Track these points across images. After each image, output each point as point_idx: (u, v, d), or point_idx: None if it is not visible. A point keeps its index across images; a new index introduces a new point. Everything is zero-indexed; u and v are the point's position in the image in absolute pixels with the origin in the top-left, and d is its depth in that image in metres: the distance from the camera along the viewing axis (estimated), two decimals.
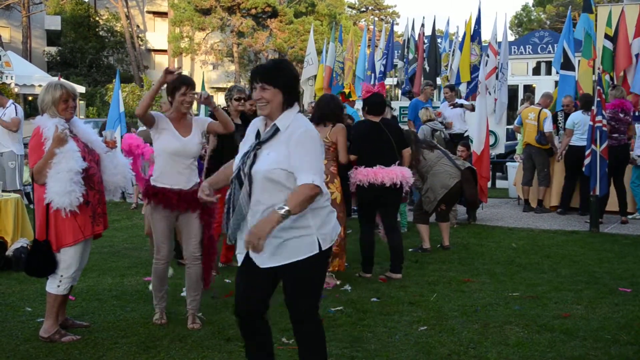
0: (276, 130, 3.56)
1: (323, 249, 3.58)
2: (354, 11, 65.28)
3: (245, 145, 3.72)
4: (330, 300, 6.12)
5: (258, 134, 3.68)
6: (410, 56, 18.04)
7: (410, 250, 8.33)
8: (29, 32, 44.62)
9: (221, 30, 45.12)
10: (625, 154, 10.38)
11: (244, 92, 7.25)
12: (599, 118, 9.57)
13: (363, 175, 6.78)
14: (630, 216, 10.52)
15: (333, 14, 50.38)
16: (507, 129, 16.79)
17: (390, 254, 7.12)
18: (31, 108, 31.00)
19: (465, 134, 12.25)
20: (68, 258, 4.98)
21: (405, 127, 10.09)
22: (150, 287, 5.75)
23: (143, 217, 11.23)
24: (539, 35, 31.02)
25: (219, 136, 6.71)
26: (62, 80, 5.40)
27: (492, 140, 12.60)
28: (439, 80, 17.98)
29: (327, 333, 5.14)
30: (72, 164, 4.86)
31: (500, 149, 14.75)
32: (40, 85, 31.09)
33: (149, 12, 52.42)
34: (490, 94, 13.65)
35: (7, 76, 29.38)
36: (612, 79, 12.27)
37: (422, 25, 18.40)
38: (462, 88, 15.53)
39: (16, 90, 29.46)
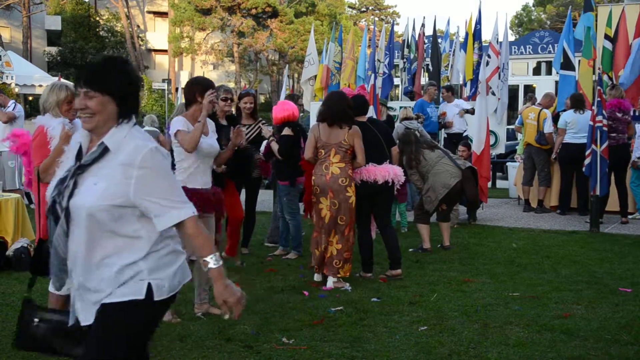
0: (104, 150, 2.72)
1: (155, 298, 2.73)
2: (354, 11, 65.29)
3: (63, 168, 2.94)
4: (330, 300, 6.13)
5: (80, 154, 2.84)
6: (411, 56, 18.05)
7: (410, 250, 8.33)
8: (29, 32, 44.62)
9: (221, 30, 45.11)
10: (625, 153, 10.38)
11: (230, 92, 7.10)
12: (599, 118, 9.57)
13: (356, 174, 6.77)
14: (630, 216, 10.52)
15: (333, 14, 50.36)
16: (508, 129, 16.80)
17: (387, 251, 7.14)
18: (32, 108, 31.01)
19: (465, 134, 12.26)
20: None
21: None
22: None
23: None
24: (539, 35, 31.03)
25: None
26: (65, 81, 5.40)
27: (492, 140, 12.59)
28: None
29: (327, 333, 5.17)
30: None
31: (500, 149, 14.75)
32: (40, 86, 31.12)
33: (149, 12, 52.42)
34: (494, 94, 13.65)
35: (7, 76, 29.38)
36: (610, 79, 12.26)
37: (423, 25, 18.42)
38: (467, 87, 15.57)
39: (16, 90, 29.46)
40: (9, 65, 30.12)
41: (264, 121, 8.57)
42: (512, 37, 43.28)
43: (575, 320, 5.48)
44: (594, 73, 12.71)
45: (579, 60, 12.86)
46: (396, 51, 19.09)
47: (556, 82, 16.95)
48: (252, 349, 4.82)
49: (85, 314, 2.78)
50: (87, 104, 2.72)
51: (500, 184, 15.80)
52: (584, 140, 10.35)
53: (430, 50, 18.28)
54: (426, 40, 18.91)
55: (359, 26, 53.02)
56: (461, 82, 16.93)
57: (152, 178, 2.67)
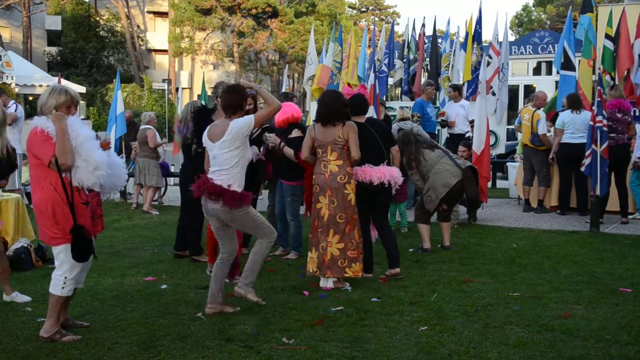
0: None
1: None
2: (355, 11, 65.36)
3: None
4: (330, 300, 6.13)
5: None
6: (412, 56, 18.04)
7: (410, 250, 8.34)
8: (30, 32, 44.63)
9: (221, 30, 45.16)
10: (624, 153, 10.38)
11: None
12: (599, 118, 9.57)
13: (352, 174, 6.75)
14: (630, 216, 10.52)
15: (333, 14, 50.39)
16: (508, 129, 16.79)
17: (385, 251, 7.15)
18: (32, 108, 30.98)
19: (467, 135, 12.25)
20: (70, 259, 4.97)
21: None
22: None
23: (143, 217, 11.27)
24: (539, 36, 31.04)
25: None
26: (66, 83, 5.40)
27: (492, 140, 12.59)
28: (438, 81, 17.98)
29: (328, 333, 5.17)
30: (84, 134, 4.95)
31: (500, 149, 14.74)
32: (40, 86, 31.13)
33: (149, 12, 52.47)
34: (494, 94, 13.65)
35: (7, 76, 29.40)
36: (613, 79, 12.26)
37: (423, 25, 18.42)
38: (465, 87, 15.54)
39: (17, 90, 29.46)
40: (9, 66, 30.12)
41: (266, 123, 8.56)
42: (512, 37, 43.32)
43: (576, 320, 5.48)
44: (593, 73, 12.71)
45: (579, 60, 12.86)
46: (396, 51, 19.07)
47: (556, 82, 16.92)
48: (252, 349, 4.82)
49: None
50: None
51: (500, 184, 15.80)
52: (582, 140, 10.36)
53: (430, 51, 18.28)
54: (426, 41, 18.90)
55: (359, 26, 53.04)
56: (461, 83, 16.94)
57: None
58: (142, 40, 49.35)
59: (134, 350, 4.82)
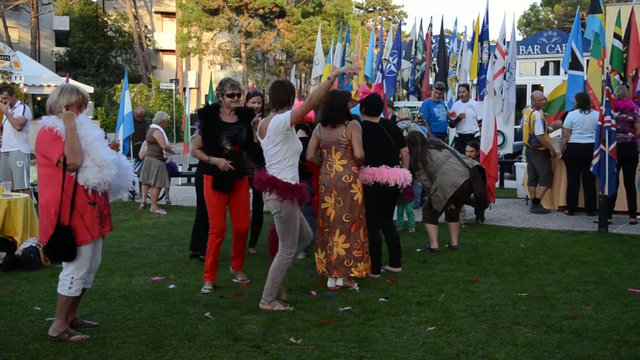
0: None
1: None
2: (362, 11, 65.32)
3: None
4: (338, 300, 6.13)
5: None
6: (419, 56, 18.02)
7: (418, 250, 8.33)
8: (38, 33, 44.80)
9: (229, 30, 45.21)
10: (629, 152, 10.34)
11: (237, 87, 6.69)
12: (607, 118, 9.54)
13: (369, 174, 6.75)
14: (639, 216, 10.47)
15: (340, 14, 50.40)
16: (515, 129, 16.75)
17: (388, 248, 7.17)
18: (40, 108, 31.09)
19: (476, 134, 12.23)
20: (78, 259, 4.98)
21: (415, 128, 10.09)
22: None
23: (151, 217, 11.29)
24: (547, 35, 30.98)
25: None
26: (74, 83, 5.41)
27: (500, 140, 12.55)
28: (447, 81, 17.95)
29: (335, 333, 5.17)
30: (93, 134, 4.95)
31: (508, 149, 14.68)
32: (49, 86, 31.27)
33: (156, 12, 52.58)
34: (499, 93, 13.60)
35: (16, 76, 29.53)
36: (622, 78, 12.21)
37: (430, 25, 18.42)
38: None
39: (25, 90, 29.57)
40: (18, 66, 30.26)
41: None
42: (519, 37, 43.20)
43: (584, 321, 5.46)
44: (603, 73, 12.66)
45: (588, 60, 12.81)
46: (403, 51, 19.06)
47: (564, 82, 16.87)
48: (260, 349, 4.83)
49: None
50: None
51: (508, 184, 15.76)
52: (590, 140, 10.34)
53: (437, 50, 18.26)
54: (434, 40, 18.88)
55: (366, 26, 52.96)
56: (471, 82, 16.90)
57: None
58: (149, 40, 49.47)
59: (142, 350, 4.83)
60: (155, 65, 50.08)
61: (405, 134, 8.66)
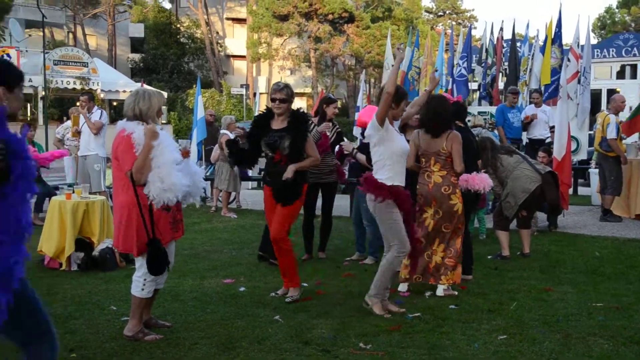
0: None
1: None
2: (431, 15, 64.82)
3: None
4: (408, 307, 6.09)
5: None
6: (490, 61, 17.79)
7: (489, 257, 8.21)
8: (114, 40, 46.19)
9: (298, 36, 45.55)
10: None
11: (280, 91, 6.31)
12: None
13: (463, 181, 6.62)
14: None
15: (410, 18, 50.16)
16: (590, 135, 16.35)
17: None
18: (116, 113, 31.95)
19: (547, 140, 12.00)
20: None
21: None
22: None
23: (222, 220, 11.47)
24: (623, 38, 30.15)
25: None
26: (149, 88, 5.52)
27: (573, 146, 12.29)
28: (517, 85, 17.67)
29: (405, 339, 5.14)
30: (170, 156, 4.96)
31: (582, 155, 14.37)
32: (124, 91, 32.17)
33: (228, 18, 53.41)
34: (572, 99, 13.33)
35: (93, 82, 30.47)
36: None
37: (501, 29, 18.16)
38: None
39: (102, 96, 30.48)
40: (95, 72, 31.24)
41: (339, 128, 8.62)
42: (594, 40, 42.13)
43: None
44: None
45: None
46: (474, 56, 18.86)
47: None
48: (329, 353, 4.84)
49: None
50: None
51: (582, 191, 15.35)
52: None
53: (508, 54, 17.99)
54: (504, 44, 18.60)
55: (435, 30, 52.57)
56: (541, 87, 16.60)
57: None
58: (221, 46, 50.28)
59: (213, 352, 4.91)
60: (226, 70, 50.85)
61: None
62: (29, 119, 29.04)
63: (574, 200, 13.06)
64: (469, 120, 11.36)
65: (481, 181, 6.76)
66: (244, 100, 39.33)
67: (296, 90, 6.85)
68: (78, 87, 30.21)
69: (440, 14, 65.09)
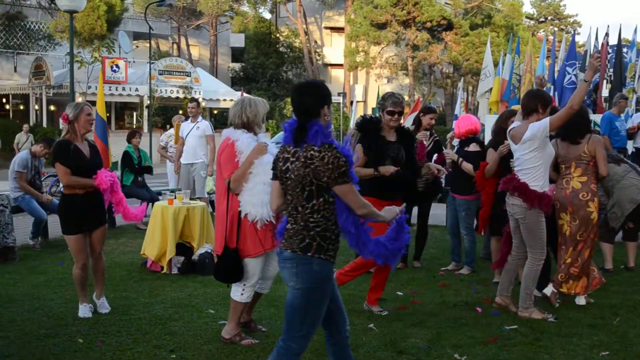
0: None
1: None
2: (532, 22, 63.26)
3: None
4: (504, 318, 5.97)
5: None
6: None
7: None
8: (216, 50, 47.45)
9: (396, 44, 45.42)
10: None
11: (400, 104, 6.11)
12: None
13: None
14: None
15: (510, 25, 49.14)
16: None
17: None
18: (216, 121, 32.75)
19: None
20: (250, 269, 5.20)
21: None
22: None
23: None
24: None
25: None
26: (249, 97, 5.62)
27: None
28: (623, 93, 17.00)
29: (501, 352, 5.04)
30: (269, 177, 5.04)
31: None
32: (225, 100, 32.98)
33: (326, 27, 53.84)
34: None
35: (195, 91, 31.38)
36: None
37: (607, 34, 17.50)
38: None
39: (204, 104, 31.33)
40: (197, 81, 32.17)
41: (437, 136, 8.56)
42: None
43: None
44: None
45: None
46: (577, 62, 18.29)
47: None
48: None
49: None
50: None
51: None
52: None
53: (613, 61, 17.34)
54: (610, 50, 17.94)
55: (537, 37, 51.30)
56: None
57: None
58: (318, 55, 50.75)
59: (308, 357, 4.95)
60: (323, 79, 51.25)
61: None
62: (134, 127, 30.19)
63: None
64: None
65: None
66: (341, 109, 39.52)
67: (387, 93, 6.84)
68: (181, 96, 31.19)
69: (541, 19, 63.44)
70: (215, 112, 35.96)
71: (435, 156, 8.24)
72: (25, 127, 24.18)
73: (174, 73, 31.74)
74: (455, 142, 8.36)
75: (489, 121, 13.50)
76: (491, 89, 17.15)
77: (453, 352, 5.03)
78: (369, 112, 45.20)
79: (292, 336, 3.79)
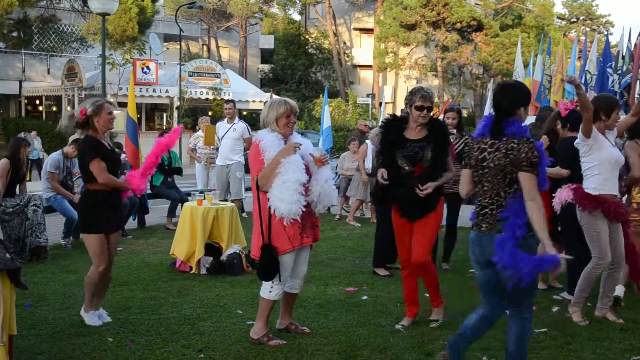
0: None
1: None
2: (564, 22, 62.57)
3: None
4: (534, 322, 5.89)
5: None
6: (624, 68, 17.01)
7: None
8: (245, 51, 47.68)
9: (425, 45, 45.24)
10: None
11: (429, 98, 5.64)
12: None
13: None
14: None
15: (541, 25, 48.72)
16: None
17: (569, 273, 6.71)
18: (245, 122, 32.84)
19: None
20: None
21: None
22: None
23: (346, 229, 11.54)
24: None
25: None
26: (282, 98, 5.62)
27: None
28: None
29: (530, 355, 4.98)
30: (297, 175, 5.09)
31: None
32: (254, 101, 33.11)
33: (355, 29, 53.80)
34: None
35: (225, 92, 31.56)
36: None
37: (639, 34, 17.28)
38: None
39: None
40: (227, 83, 32.34)
41: (467, 137, 8.49)
42: None
43: None
44: None
45: None
46: (610, 63, 18.06)
47: None
48: None
49: None
50: None
51: None
52: None
53: None
54: None
55: (568, 37, 50.77)
56: None
57: None
58: (348, 56, 50.72)
59: (335, 358, 4.96)
60: (352, 80, 51.23)
61: None
62: (164, 128, 30.44)
63: None
64: None
65: None
66: (370, 110, 39.48)
67: (415, 88, 6.77)
68: (210, 97, 31.39)
69: (573, 20, 62.74)
70: (245, 113, 36.13)
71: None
72: (34, 132, 23.91)
73: (204, 74, 31.93)
74: None
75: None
76: None
77: (482, 354, 5.00)
78: (398, 113, 45.11)
79: (528, 305, 4.47)
